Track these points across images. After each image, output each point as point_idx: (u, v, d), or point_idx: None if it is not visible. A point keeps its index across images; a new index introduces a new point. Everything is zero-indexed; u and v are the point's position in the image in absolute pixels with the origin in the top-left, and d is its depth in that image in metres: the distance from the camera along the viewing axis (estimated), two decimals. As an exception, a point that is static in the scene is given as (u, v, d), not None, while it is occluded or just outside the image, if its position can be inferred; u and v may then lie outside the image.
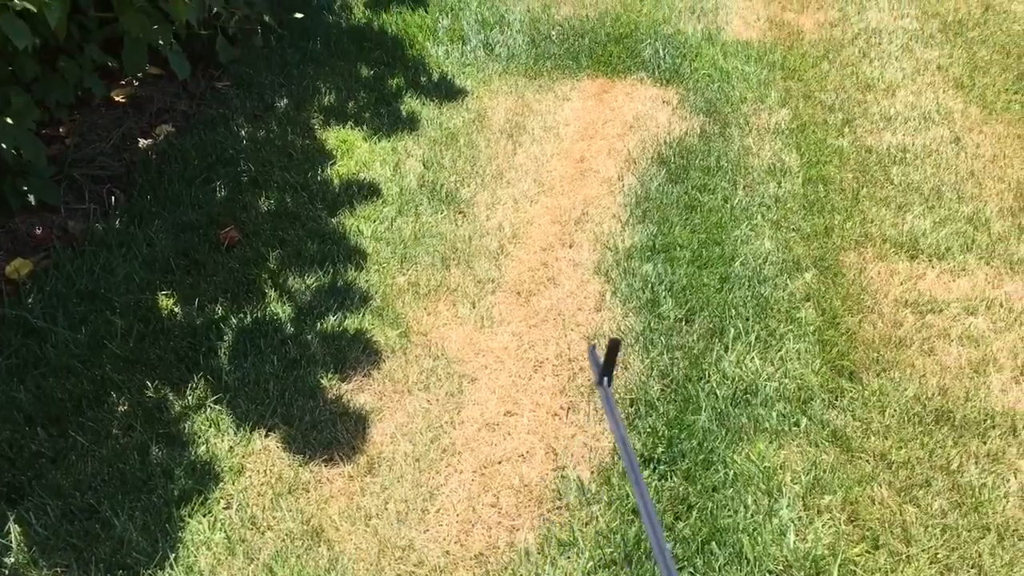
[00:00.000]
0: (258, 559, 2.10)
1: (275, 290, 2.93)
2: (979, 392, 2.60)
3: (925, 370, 2.68)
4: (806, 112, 4.03)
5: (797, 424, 2.53)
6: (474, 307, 2.98)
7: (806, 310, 2.94)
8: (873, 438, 2.47)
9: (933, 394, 2.60)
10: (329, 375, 2.66)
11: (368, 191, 3.42)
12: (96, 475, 2.24)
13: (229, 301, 2.86)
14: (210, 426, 2.45)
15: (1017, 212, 3.35)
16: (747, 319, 2.90)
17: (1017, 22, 4.75)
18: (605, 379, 0.68)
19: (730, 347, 2.80)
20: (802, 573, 2.12)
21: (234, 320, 2.79)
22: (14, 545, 2.04)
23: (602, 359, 0.70)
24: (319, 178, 3.46)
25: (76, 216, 3.06)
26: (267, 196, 3.33)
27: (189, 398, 2.52)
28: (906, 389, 2.61)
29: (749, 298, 2.99)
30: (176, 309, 2.81)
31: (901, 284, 3.02)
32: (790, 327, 2.86)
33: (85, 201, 3.13)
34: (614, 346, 0.68)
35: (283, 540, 2.16)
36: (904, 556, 2.15)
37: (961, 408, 2.54)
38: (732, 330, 2.85)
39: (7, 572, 1.98)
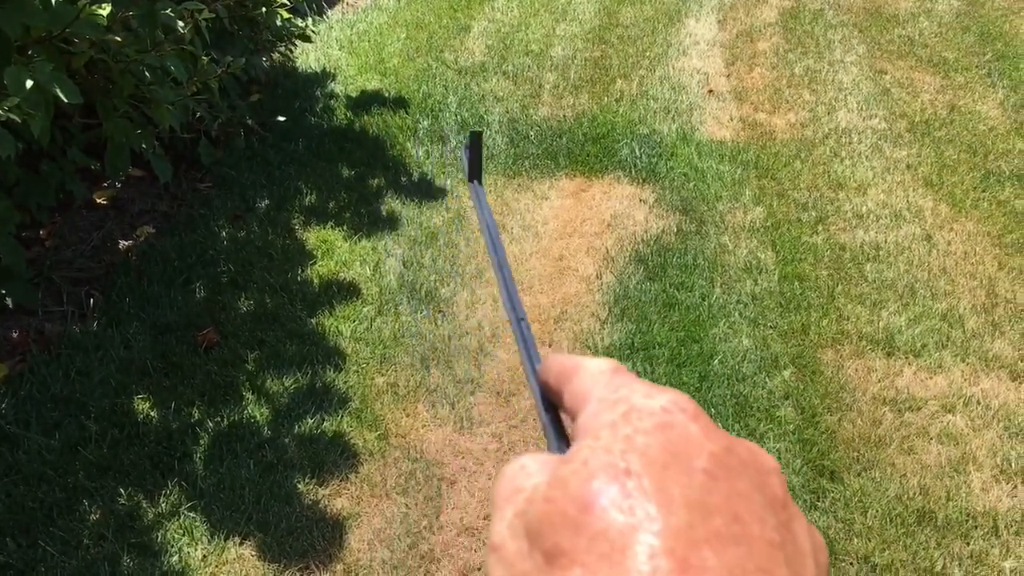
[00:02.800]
0: (230, 676, 2.04)
1: (252, 392, 2.92)
2: (960, 491, 2.60)
3: (906, 469, 2.68)
4: (780, 210, 4.11)
5: (779, 526, 2.51)
6: (453, 408, 2.97)
7: (785, 408, 2.95)
8: (856, 540, 2.45)
9: (914, 494, 2.59)
10: (306, 479, 2.63)
11: (348, 291, 3.43)
12: (65, 588, 2.18)
13: (206, 404, 2.83)
14: (184, 534, 2.40)
15: (990, 309, 3.40)
16: (727, 418, 2.90)
17: (982, 122, 4.90)
18: (475, 178, 0.69)
19: (710, 447, 2.79)
20: None
21: (210, 423, 2.76)
22: (-24, 664, 1.98)
23: (468, 156, 0.70)
24: (299, 278, 3.48)
25: (53, 319, 3.05)
26: (247, 297, 3.34)
27: (163, 505, 2.47)
28: (887, 489, 2.61)
29: (728, 396, 2.99)
30: (152, 413, 2.79)
31: (879, 381, 3.04)
32: (770, 426, 2.87)
33: (63, 303, 3.12)
34: (475, 138, 0.69)
35: (256, 655, 2.10)
36: (891, 664, 2.12)
37: (943, 508, 2.54)
38: (712, 429, 2.85)
39: None
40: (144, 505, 2.47)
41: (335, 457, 2.72)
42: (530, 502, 0.32)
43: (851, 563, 2.39)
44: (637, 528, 0.28)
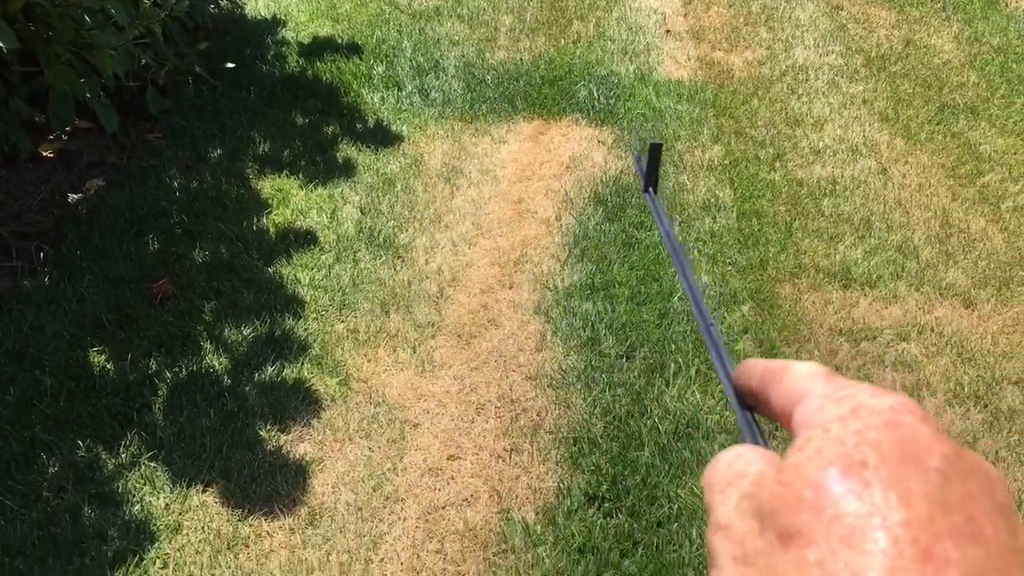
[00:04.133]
0: (196, 619, 2.04)
1: (211, 342, 2.89)
2: (914, 416, 2.65)
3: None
4: (738, 148, 4.12)
5: (739, 456, 2.55)
6: (415, 352, 2.96)
7: (744, 342, 2.98)
8: (813, 466, 2.49)
9: (870, 420, 2.63)
10: (268, 427, 2.62)
11: (305, 239, 3.40)
12: (26, 539, 2.16)
13: (163, 355, 2.80)
14: (145, 484, 2.39)
15: (944, 239, 3.45)
16: (687, 353, 2.92)
17: (937, 55, 4.92)
18: (651, 187, 0.69)
19: (671, 382, 2.82)
20: (748, 605, 2.12)
21: (168, 374, 2.73)
22: (-63, 618, 1.96)
23: (644, 166, 0.71)
24: (255, 228, 3.44)
25: (2, 274, 2.98)
26: (201, 248, 3.29)
27: (123, 456, 2.45)
28: (844, 416, 2.65)
29: (688, 332, 3.01)
30: (108, 365, 2.75)
31: (835, 313, 3.08)
32: (730, 360, 2.89)
33: (12, 258, 3.05)
34: (655, 149, 0.69)
35: (222, 598, 2.10)
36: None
37: (897, 433, 2.59)
38: (672, 365, 2.88)
39: (-71, 647, 1.90)
40: (103, 456, 2.45)
41: (296, 404, 2.71)
42: (758, 485, 0.33)
43: (809, 488, 2.43)
44: (876, 515, 0.29)
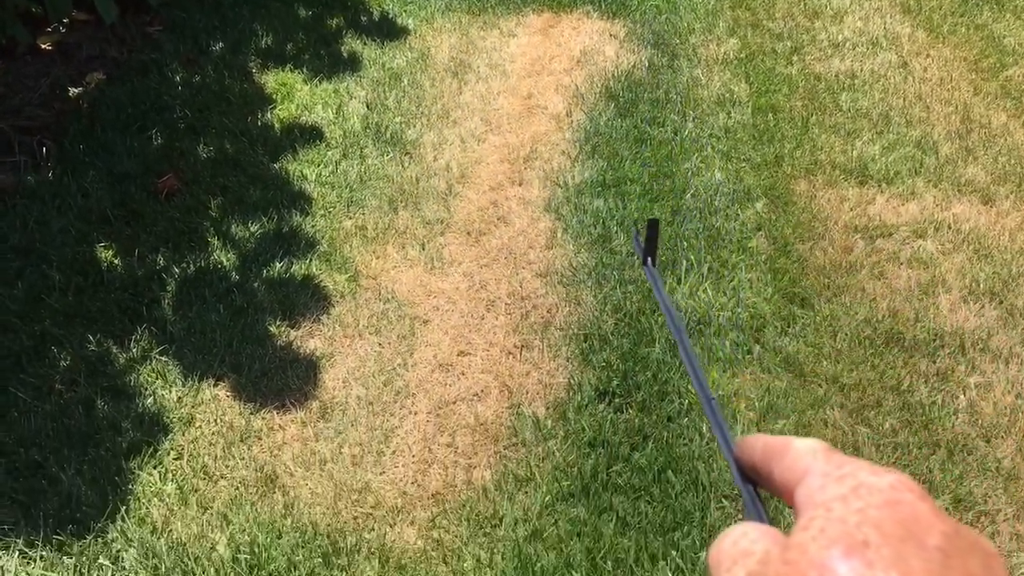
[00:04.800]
0: (212, 507, 2.07)
1: (218, 238, 2.86)
2: (928, 313, 2.63)
3: (875, 293, 2.70)
4: (754, 41, 4.00)
5: (750, 352, 2.54)
6: (423, 249, 2.93)
7: (757, 239, 2.94)
8: (825, 362, 2.49)
9: (883, 317, 2.62)
10: (277, 322, 2.61)
11: (311, 135, 3.33)
12: (40, 431, 2.18)
13: (170, 251, 2.78)
14: (156, 378, 2.39)
15: (964, 135, 3.37)
16: (699, 251, 2.89)
17: (961, -54, 4.73)
18: (649, 259, 0.69)
19: (683, 279, 2.79)
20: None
21: (176, 270, 2.71)
22: (-44, 506, 1.99)
23: (643, 241, 0.71)
24: (259, 123, 3.37)
25: (5, 169, 2.94)
26: (205, 143, 3.23)
27: (133, 350, 2.45)
28: (857, 313, 2.63)
29: (701, 230, 2.97)
30: (116, 261, 2.73)
31: (851, 210, 3.03)
32: (742, 257, 2.86)
33: (15, 153, 3.01)
34: (653, 225, 0.69)
35: (237, 488, 2.13)
36: (857, 475, 2.18)
37: (911, 329, 2.57)
38: (684, 262, 2.84)
39: (-50, 533, 1.92)
40: (114, 350, 2.45)
41: (306, 300, 2.69)
42: (764, 564, 0.34)
43: (819, 384, 2.43)
44: None
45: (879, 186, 3.11)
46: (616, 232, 2.96)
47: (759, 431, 2.26)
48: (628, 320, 2.66)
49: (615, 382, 2.45)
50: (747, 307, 2.68)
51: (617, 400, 2.41)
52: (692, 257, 2.85)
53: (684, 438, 2.29)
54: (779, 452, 0.40)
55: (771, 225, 2.98)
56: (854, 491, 0.34)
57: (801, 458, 0.38)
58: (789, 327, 2.62)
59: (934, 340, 2.54)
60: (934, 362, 2.48)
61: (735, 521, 2.08)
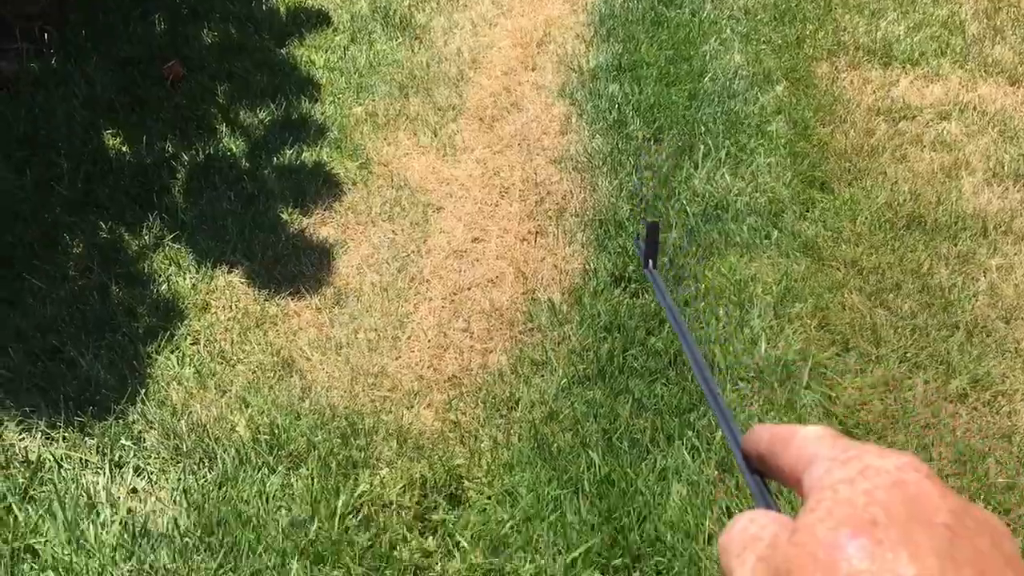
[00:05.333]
0: (230, 391, 2.08)
1: (226, 125, 2.81)
2: (951, 196, 2.58)
3: (897, 177, 2.65)
4: (775, -81, 3.83)
5: (768, 237, 2.51)
6: (436, 135, 2.88)
7: (777, 123, 2.87)
8: (844, 246, 2.46)
9: (905, 200, 2.57)
10: (289, 210, 2.58)
11: (317, 19, 3.24)
12: (56, 317, 2.18)
13: (178, 138, 2.73)
14: (170, 264, 2.38)
15: (992, 13, 3.25)
16: (717, 135, 2.83)
17: None
18: (650, 262, 0.67)
19: (700, 164, 2.74)
20: (773, 378, 2.14)
21: (185, 157, 2.67)
22: (-23, 389, 2.00)
23: (644, 244, 0.70)
24: (264, 7, 3.27)
25: (8, 56, 2.87)
26: (209, 28, 3.15)
27: (146, 238, 2.44)
28: (878, 196, 2.58)
29: (719, 114, 2.90)
30: (124, 148, 2.69)
31: (874, 92, 2.95)
32: (761, 141, 2.80)
33: (16, 41, 2.93)
34: (653, 229, 0.67)
35: (254, 372, 2.13)
36: (874, 357, 2.17)
37: (932, 212, 2.53)
38: (702, 147, 2.79)
39: (-28, 415, 1.94)
40: (127, 238, 2.43)
41: (317, 187, 2.66)
42: (773, 547, 0.34)
43: (838, 268, 2.40)
44: (888, 572, 0.30)
45: (903, 67, 3.02)
46: (632, 117, 2.89)
47: (776, 315, 2.25)
48: (644, 206, 2.62)
49: (631, 267, 2.42)
50: (765, 192, 2.64)
51: (633, 285, 2.39)
52: (710, 142, 2.79)
53: (701, 322, 2.28)
54: (785, 440, 0.40)
55: (791, 108, 2.91)
56: (861, 473, 0.34)
57: (807, 444, 0.38)
58: (808, 211, 2.58)
59: (956, 223, 2.50)
60: (955, 245, 2.44)
61: (748, 404, 2.09)
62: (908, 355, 2.16)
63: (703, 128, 2.85)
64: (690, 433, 2.02)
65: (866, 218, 2.52)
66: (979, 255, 2.41)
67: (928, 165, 2.68)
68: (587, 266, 2.47)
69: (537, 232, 2.59)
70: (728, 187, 2.66)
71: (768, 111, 2.91)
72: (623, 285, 2.40)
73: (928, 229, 2.48)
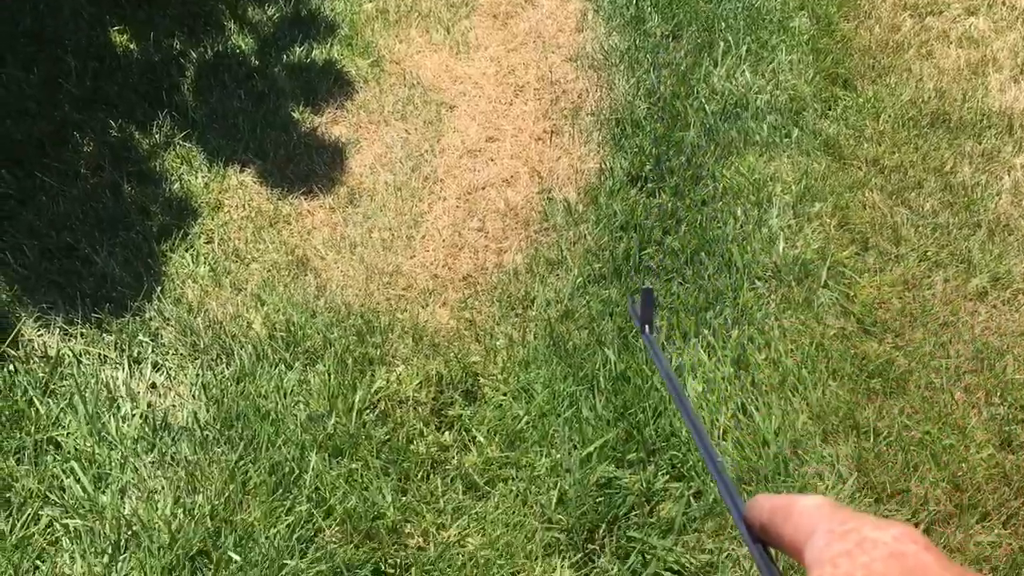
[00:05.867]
0: (246, 289, 2.08)
1: (234, 22, 2.74)
2: (977, 93, 2.51)
3: (922, 74, 2.58)
4: None
5: (788, 135, 2.46)
6: (448, 32, 2.81)
7: (799, 19, 2.79)
8: (866, 144, 2.41)
9: (930, 97, 2.51)
10: (300, 108, 2.54)
11: (326, -89, 3.13)
12: (70, 214, 2.17)
13: (186, 35, 2.68)
14: (181, 163, 2.36)
15: (1026, -96, 3.11)
16: (737, 32, 2.75)
17: None
18: (647, 327, 0.65)
19: (719, 62, 2.67)
20: (791, 277, 2.12)
21: (194, 55, 2.62)
22: (-6, 286, 2.01)
23: (639, 308, 0.68)
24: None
25: (9, -51, 2.79)
26: (216, -80, 3.05)
27: (156, 136, 2.40)
28: (902, 94, 2.52)
29: (740, 9, 2.82)
30: (131, 46, 2.64)
31: (900, -13, 2.85)
32: (783, 38, 2.72)
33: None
34: (648, 294, 0.66)
35: (269, 271, 2.13)
36: (893, 256, 2.15)
37: (958, 110, 2.47)
38: (722, 44, 2.71)
39: (-9, 311, 1.95)
40: (137, 136, 2.40)
41: (328, 85, 2.61)
42: None
43: (859, 167, 2.36)
44: None
45: (932, -40, 2.92)
46: (650, 13, 2.81)
47: (795, 214, 2.22)
48: (662, 104, 2.57)
49: (648, 167, 2.39)
50: (786, 89, 2.58)
51: (650, 185, 2.36)
52: (730, 38, 2.72)
53: (718, 221, 2.25)
54: (785, 511, 0.40)
55: (814, 3, 2.82)
56: (859, 546, 0.35)
57: (807, 516, 0.39)
58: (830, 109, 2.52)
59: (981, 120, 2.44)
60: (980, 143, 2.39)
61: (766, 302, 2.07)
62: (928, 254, 2.14)
63: (723, 24, 2.77)
64: (706, 331, 2.01)
65: (889, 116, 2.46)
66: (1004, 153, 2.36)
67: (954, 62, 2.60)
68: (603, 165, 2.43)
69: (552, 131, 2.54)
70: (748, 85, 2.60)
71: (790, 6, 2.82)
72: (639, 185, 2.37)
73: (952, 127, 2.42)
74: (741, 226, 2.24)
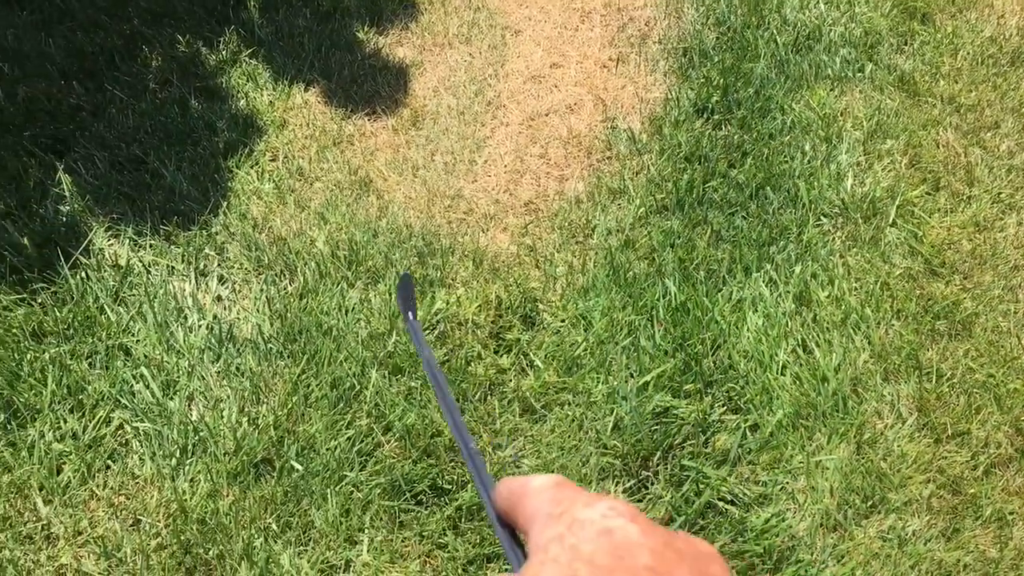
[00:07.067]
0: (309, 207, 2.10)
1: (301, -62, 2.72)
2: (1063, 31, 2.42)
3: (1004, 10, 2.49)
4: None
5: (861, 70, 2.40)
6: (516, -46, 2.76)
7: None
8: (942, 82, 2.34)
9: (1011, 35, 2.42)
10: (365, 28, 2.53)
11: None
12: (139, 127, 2.20)
13: (254, -49, 2.66)
14: (247, 80, 2.36)
15: None
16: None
17: None
18: (410, 314, 0.63)
19: (793, -9, 2.60)
20: (858, 214, 2.09)
21: (261, -29, 2.61)
22: (67, 194, 2.04)
23: (402, 294, 0.66)
24: None
25: None
26: None
27: (223, 52, 2.41)
28: (982, 31, 2.44)
29: (816, -63, 2.73)
30: (199, -40, 2.63)
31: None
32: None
33: None
34: (406, 280, 0.65)
35: (332, 190, 2.14)
36: (965, 197, 2.10)
37: (1041, 47, 2.38)
38: (796, -27, 2.63)
39: (65, 219, 1.99)
40: (204, 52, 2.41)
41: (394, 6, 2.59)
42: None
43: (934, 104, 2.30)
44: None
45: None
46: (723, -61, 2.73)
47: (865, 151, 2.17)
48: (731, 34, 2.52)
49: (715, 98, 2.35)
50: (861, 22, 2.50)
51: (716, 116, 2.32)
52: (805, -32, 2.64)
53: (785, 156, 2.21)
54: (519, 496, 0.40)
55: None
56: (569, 528, 0.36)
57: (532, 499, 0.39)
58: (906, 44, 2.45)
59: (1067, 60, 2.36)
60: (1064, 83, 2.31)
61: (831, 239, 2.05)
62: (1002, 196, 2.09)
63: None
64: (768, 266, 1.99)
65: (968, 53, 2.38)
66: (1089, 94, 2.28)
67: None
68: (669, 95, 2.39)
69: (618, 59, 2.50)
70: (822, 16, 2.53)
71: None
72: (705, 116, 2.33)
73: (1035, 63, 2.34)
74: (809, 161, 2.20)
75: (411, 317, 0.65)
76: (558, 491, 0.39)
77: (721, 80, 2.38)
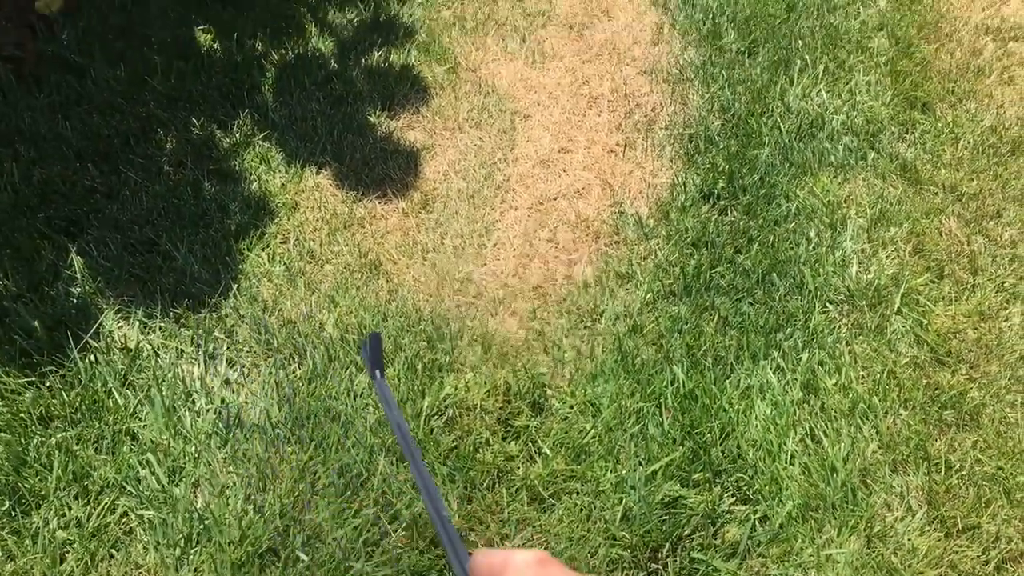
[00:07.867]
0: (319, 290, 2.11)
1: (315, 25, 2.79)
2: (1061, 122, 2.47)
3: (1003, 100, 2.54)
4: None
5: (864, 157, 2.44)
6: (524, 41, 2.83)
7: (879, 39, 2.76)
8: (944, 170, 2.37)
9: (1011, 124, 2.47)
10: (377, 112, 2.58)
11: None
12: (152, 210, 2.22)
13: (268, 36, 2.73)
14: (260, 163, 2.40)
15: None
16: (815, 50, 2.73)
17: None
18: (377, 372, 0.62)
19: (796, 80, 2.66)
20: (864, 302, 2.10)
21: (275, 56, 2.67)
22: (79, 276, 2.06)
23: (369, 353, 0.66)
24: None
25: (101, -53, 2.87)
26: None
27: (236, 135, 2.46)
28: (982, 120, 2.48)
29: (817, 28, 2.80)
30: (215, 45, 2.69)
31: (983, 10, 2.81)
32: (861, 58, 2.70)
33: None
34: (375, 339, 0.64)
35: (342, 272, 2.16)
36: (969, 285, 2.12)
37: (1041, 138, 2.42)
38: (798, 62, 2.69)
39: (76, 301, 2.00)
40: (218, 135, 2.46)
41: (405, 90, 2.64)
42: None
43: (936, 192, 2.33)
44: None
45: (1018, -16, 2.87)
46: (726, 29, 2.80)
47: (869, 238, 2.20)
48: (736, 121, 2.56)
49: (720, 184, 2.38)
50: (863, 111, 2.55)
51: (722, 202, 2.35)
52: (807, 57, 2.70)
53: (791, 242, 2.24)
54: (499, 571, 0.39)
55: (894, 24, 2.79)
56: None
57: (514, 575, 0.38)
58: (907, 132, 2.49)
59: (1065, 151, 2.40)
60: (1064, 173, 2.35)
61: (837, 327, 2.06)
62: (1006, 285, 2.10)
63: (800, 42, 2.75)
64: (776, 353, 2.00)
65: (968, 141, 2.43)
66: (1089, 184, 2.31)
67: (1038, 89, 2.56)
68: (676, 180, 2.43)
69: (625, 144, 2.55)
70: (824, 105, 2.58)
71: (870, 26, 2.79)
72: (711, 201, 2.36)
73: (1035, 155, 2.38)
74: (814, 248, 2.22)
75: (379, 376, 0.63)
76: (542, 570, 0.38)
77: (727, 166, 2.41)
